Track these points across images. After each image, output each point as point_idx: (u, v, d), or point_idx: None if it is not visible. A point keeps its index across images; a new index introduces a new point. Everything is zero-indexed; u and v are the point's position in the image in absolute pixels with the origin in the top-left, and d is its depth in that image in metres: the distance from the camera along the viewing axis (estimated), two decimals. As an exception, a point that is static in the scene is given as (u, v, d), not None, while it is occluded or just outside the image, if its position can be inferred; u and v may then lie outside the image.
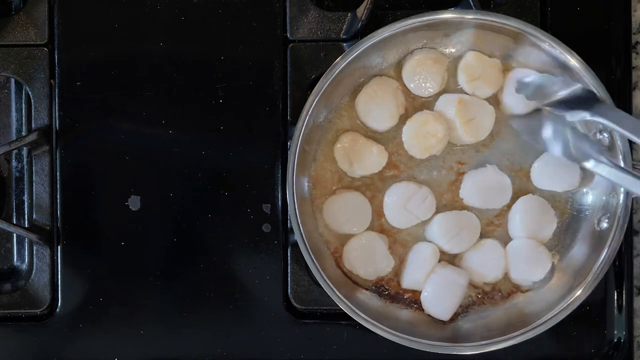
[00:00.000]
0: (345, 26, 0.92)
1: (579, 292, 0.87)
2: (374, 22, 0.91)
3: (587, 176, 0.90)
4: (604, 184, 0.89)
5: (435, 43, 0.90)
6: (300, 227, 0.86)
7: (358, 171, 0.90)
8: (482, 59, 0.89)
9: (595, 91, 0.85)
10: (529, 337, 0.86)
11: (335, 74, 0.85)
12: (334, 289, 0.86)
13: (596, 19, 0.94)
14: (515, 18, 0.86)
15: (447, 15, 0.86)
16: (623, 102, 0.93)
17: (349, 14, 0.92)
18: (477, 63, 0.89)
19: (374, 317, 0.87)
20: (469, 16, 0.86)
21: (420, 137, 0.88)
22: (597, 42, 0.94)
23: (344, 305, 0.86)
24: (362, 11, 0.90)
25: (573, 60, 0.86)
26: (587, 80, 0.85)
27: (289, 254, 0.93)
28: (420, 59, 0.89)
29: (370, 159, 0.89)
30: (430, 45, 0.90)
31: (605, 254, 0.87)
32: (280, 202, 0.93)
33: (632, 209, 0.91)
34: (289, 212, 0.86)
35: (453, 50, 0.91)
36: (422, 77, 0.89)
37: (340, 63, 0.86)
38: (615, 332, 0.94)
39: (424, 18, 0.86)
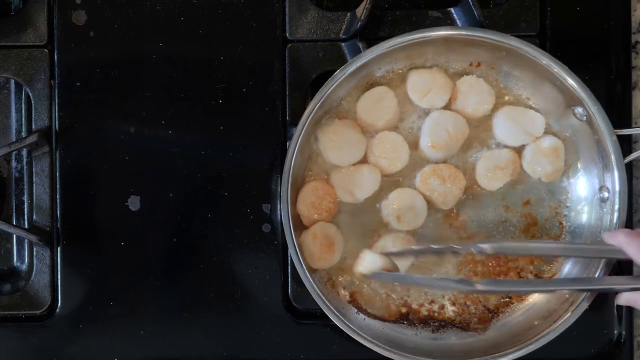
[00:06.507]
0: (344, 26, 0.92)
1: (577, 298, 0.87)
2: (374, 22, 0.91)
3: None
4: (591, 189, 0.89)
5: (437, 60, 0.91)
6: (292, 231, 0.86)
7: (361, 196, 0.90)
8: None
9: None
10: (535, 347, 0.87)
11: (333, 87, 0.86)
12: (320, 293, 0.86)
13: (596, 19, 0.94)
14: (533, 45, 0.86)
15: (443, 32, 0.86)
16: (623, 102, 0.93)
17: (348, 14, 0.92)
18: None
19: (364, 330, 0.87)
20: (464, 32, 0.87)
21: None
22: (597, 42, 0.94)
23: (329, 311, 0.86)
24: (361, 11, 0.90)
25: (570, 80, 0.85)
26: (584, 97, 0.85)
27: (289, 254, 0.93)
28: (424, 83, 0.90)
29: (365, 179, 0.90)
30: (433, 63, 0.91)
31: (605, 254, 0.87)
32: (280, 202, 0.93)
33: (633, 209, 0.91)
34: (281, 211, 0.86)
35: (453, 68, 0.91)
36: (428, 94, 0.90)
37: (339, 75, 0.86)
38: (616, 331, 0.93)
39: (420, 35, 0.86)
